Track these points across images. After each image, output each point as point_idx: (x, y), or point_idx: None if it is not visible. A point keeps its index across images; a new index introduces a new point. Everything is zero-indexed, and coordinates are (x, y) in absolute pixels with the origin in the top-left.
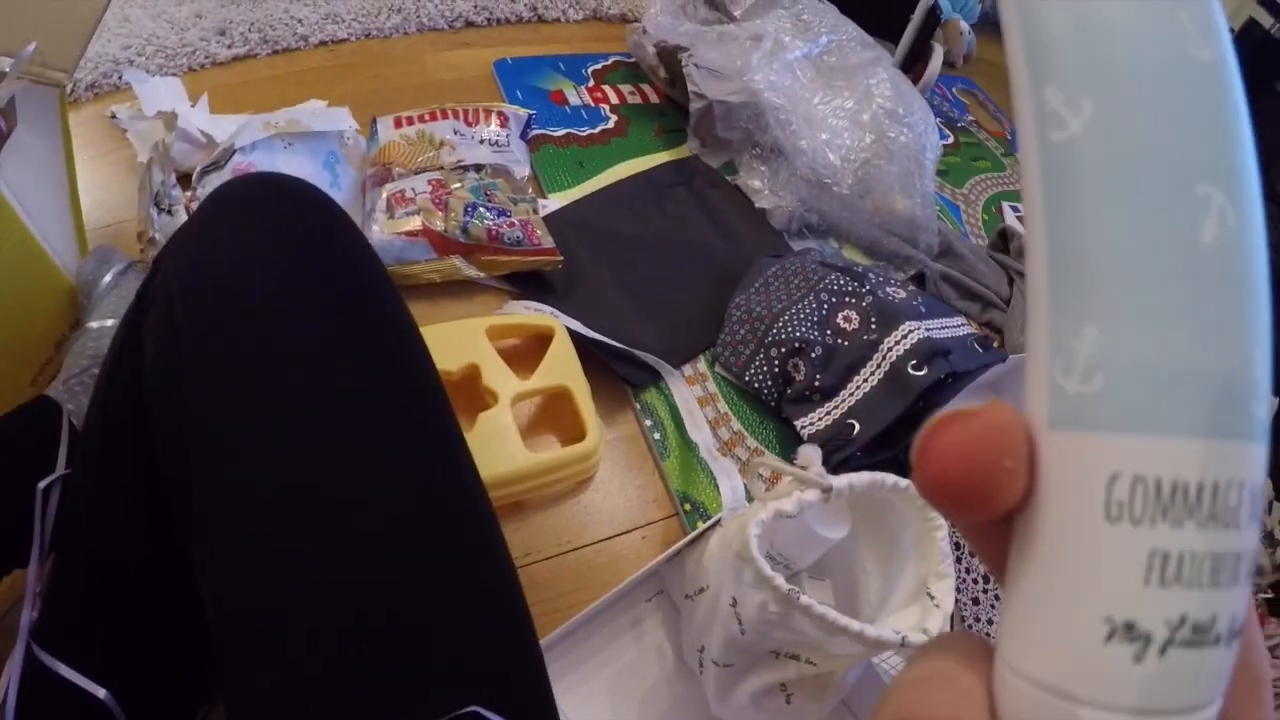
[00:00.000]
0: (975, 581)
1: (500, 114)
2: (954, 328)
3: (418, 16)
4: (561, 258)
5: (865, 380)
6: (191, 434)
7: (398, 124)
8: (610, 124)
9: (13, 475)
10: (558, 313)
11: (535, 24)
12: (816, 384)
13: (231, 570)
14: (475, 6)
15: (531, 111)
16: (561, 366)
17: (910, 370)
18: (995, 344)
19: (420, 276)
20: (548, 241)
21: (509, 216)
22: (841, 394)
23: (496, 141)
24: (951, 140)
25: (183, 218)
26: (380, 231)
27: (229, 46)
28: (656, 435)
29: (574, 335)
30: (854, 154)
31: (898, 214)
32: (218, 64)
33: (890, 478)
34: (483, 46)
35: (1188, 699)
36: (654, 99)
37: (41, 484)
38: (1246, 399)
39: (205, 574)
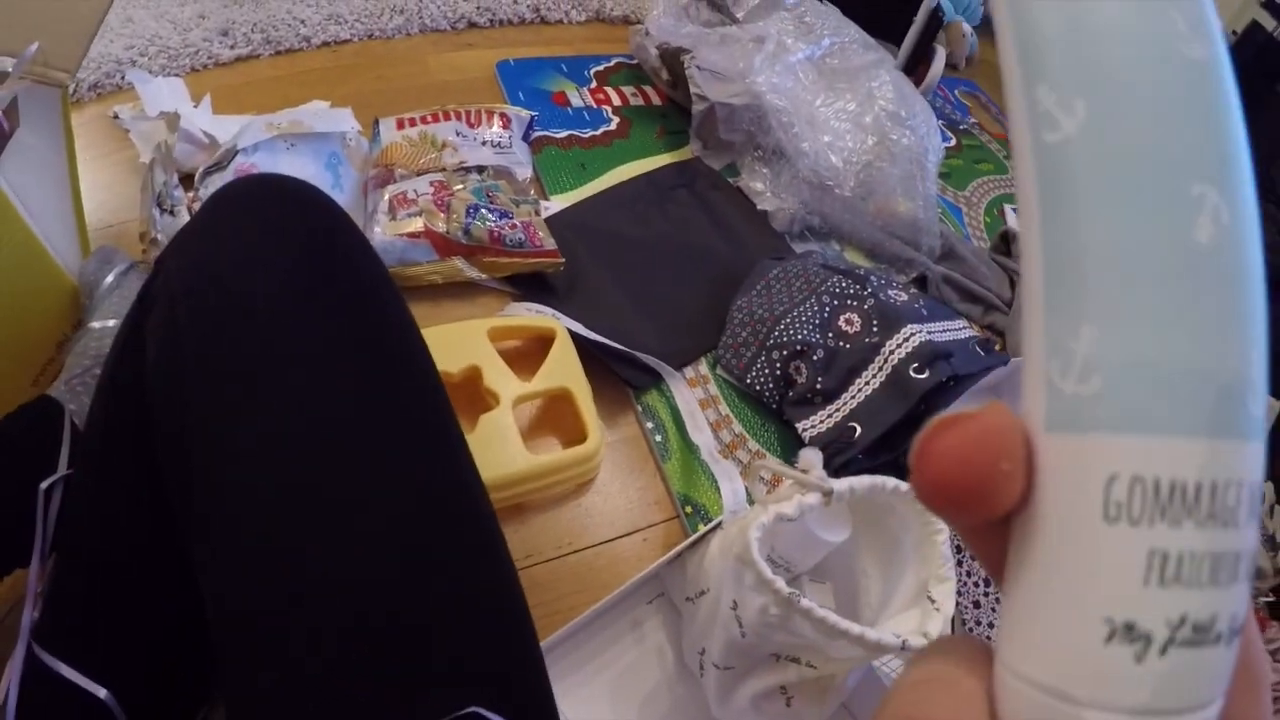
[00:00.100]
0: (976, 585)
1: (503, 115)
2: (956, 331)
3: (420, 17)
4: (563, 259)
5: (867, 383)
6: (193, 434)
7: (400, 125)
8: (612, 126)
9: (14, 475)
10: (559, 314)
11: (538, 25)
12: (818, 387)
13: (233, 570)
14: (478, 8)
15: (534, 113)
16: (563, 368)
17: (912, 373)
18: (997, 347)
19: (422, 278)
20: (549, 243)
21: (511, 218)
22: (843, 397)
23: (499, 143)
24: (954, 143)
25: (185, 218)
26: (382, 233)
27: (232, 47)
28: (658, 437)
29: (575, 337)
30: (856, 156)
31: (900, 216)
32: (220, 64)
33: (891, 481)
34: (485, 48)
35: (1189, 699)
36: (656, 101)
37: (43, 484)
38: (1244, 397)
39: (206, 574)
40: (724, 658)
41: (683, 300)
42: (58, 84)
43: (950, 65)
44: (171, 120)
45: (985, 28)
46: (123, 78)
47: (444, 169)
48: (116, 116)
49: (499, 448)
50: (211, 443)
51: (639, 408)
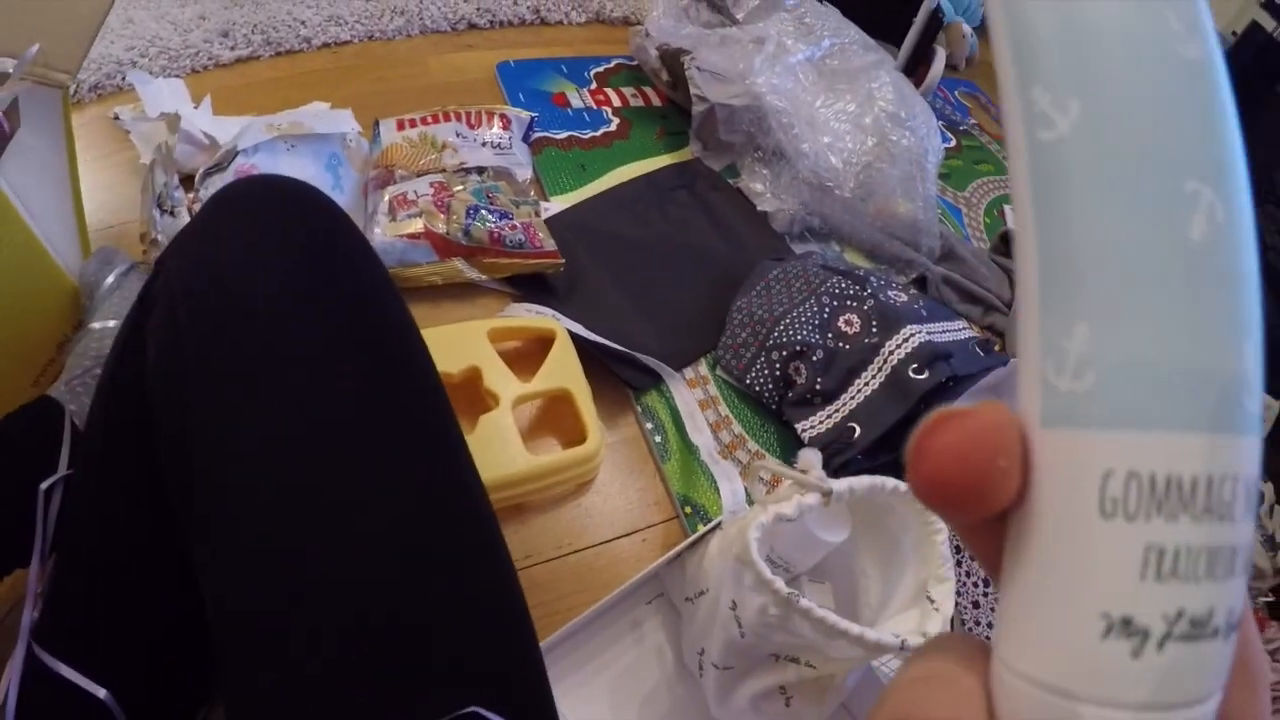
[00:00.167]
0: (976, 585)
1: (503, 116)
2: (955, 331)
3: (420, 19)
4: (563, 260)
5: (866, 384)
6: (193, 435)
7: (400, 126)
8: (612, 127)
9: (14, 475)
10: (559, 315)
11: (538, 26)
12: (817, 387)
13: (233, 571)
14: (478, 9)
15: (534, 114)
16: (563, 369)
17: (911, 374)
18: (997, 347)
19: (422, 279)
20: (549, 244)
21: (511, 219)
22: (842, 397)
23: (499, 144)
24: (954, 143)
25: (185, 219)
26: (382, 234)
27: (232, 48)
28: (657, 438)
29: (575, 338)
30: (856, 157)
31: (899, 217)
32: (221, 66)
33: (890, 481)
34: (485, 49)
35: (1187, 693)
36: (656, 102)
37: (44, 484)
38: (1238, 392)
39: (207, 575)
40: (723, 658)
41: (682, 301)
42: (58, 85)
43: (950, 66)
44: (172, 121)
45: (985, 29)
46: (123, 79)
47: (444, 170)
48: (117, 117)
49: (499, 448)
50: (212, 443)
51: (639, 408)
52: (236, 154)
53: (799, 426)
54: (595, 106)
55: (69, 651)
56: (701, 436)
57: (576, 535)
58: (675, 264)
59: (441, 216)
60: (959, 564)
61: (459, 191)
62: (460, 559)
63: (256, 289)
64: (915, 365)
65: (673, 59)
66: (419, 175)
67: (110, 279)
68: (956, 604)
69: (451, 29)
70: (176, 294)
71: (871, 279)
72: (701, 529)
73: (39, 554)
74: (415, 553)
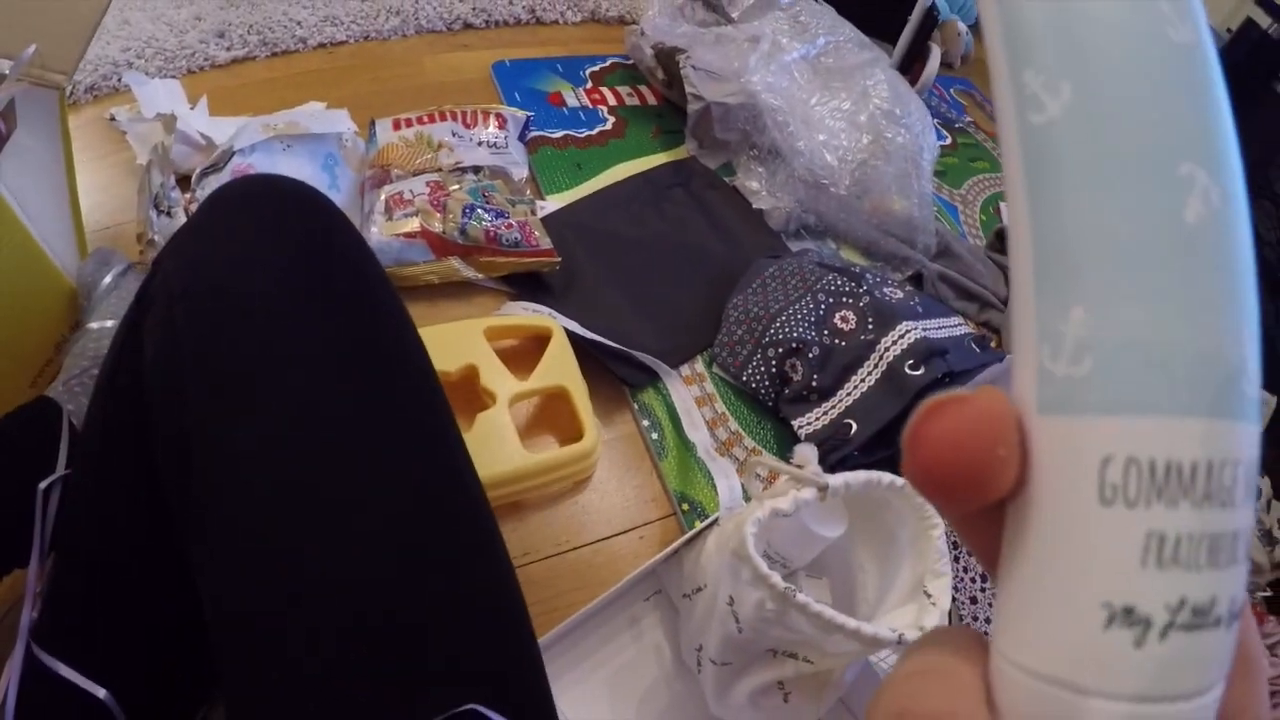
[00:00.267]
0: (973, 580)
1: (498, 116)
2: (951, 328)
3: (416, 19)
4: (559, 259)
5: (862, 380)
6: (191, 434)
7: (396, 126)
8: (608, 125)
9: (13, 475)
10: (555, 314)
11: (533, 26)
12: (814, 384)
13: (231, 571)
14: (473, 9)
15: (529, 113)
16: (559, 367)
17: (907, 370)
18: (992, 344)
19: (418, 278)
20: (545, 243)
21: (507, 218)
22: (839, 394)
23: (495, 143)
24: (949, 141)
25: (182, 219)
26: (379, 233)
27: (228, 49)
28: (654, 435)
29: (572, 336)
30: (851, 155)
31: (895, 215)
32: (217, 66)
33: (887, 476)
34: (481, 48)
35: (1190, 683)
36: (652, 101)
37: (42, 484)
38: (1237, 377)
39: (205, 575)
40: (721, 654)
41: (679, 299)
42: (55, 86)
43: (945, 64)
44: (168, 122)
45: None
46: (119, 80)
47: (440, 169)
48: (113, 118)
49: (496, 446)
50: (209, 443)
51: (635, 406)
52: (233, 154)
53: (795, 423)
54: (591, 105)
55: (68, 651)
56: (698, 433)
57: (574, 533)
58: (671, 262)
59: (438, 215)
60: (956, 559)
61: (455, 191)
62: (458, 557)
63: (254, 288)
64: (911, 361)
65: (668, 58)
66: (415, 175)
67: (107, 279)
68: (954, 599)
69: (447, 29)
70: (174, 294)
71: (867, 276)
72: (698, 525)
73: (38, 554)
74: (413, 551)
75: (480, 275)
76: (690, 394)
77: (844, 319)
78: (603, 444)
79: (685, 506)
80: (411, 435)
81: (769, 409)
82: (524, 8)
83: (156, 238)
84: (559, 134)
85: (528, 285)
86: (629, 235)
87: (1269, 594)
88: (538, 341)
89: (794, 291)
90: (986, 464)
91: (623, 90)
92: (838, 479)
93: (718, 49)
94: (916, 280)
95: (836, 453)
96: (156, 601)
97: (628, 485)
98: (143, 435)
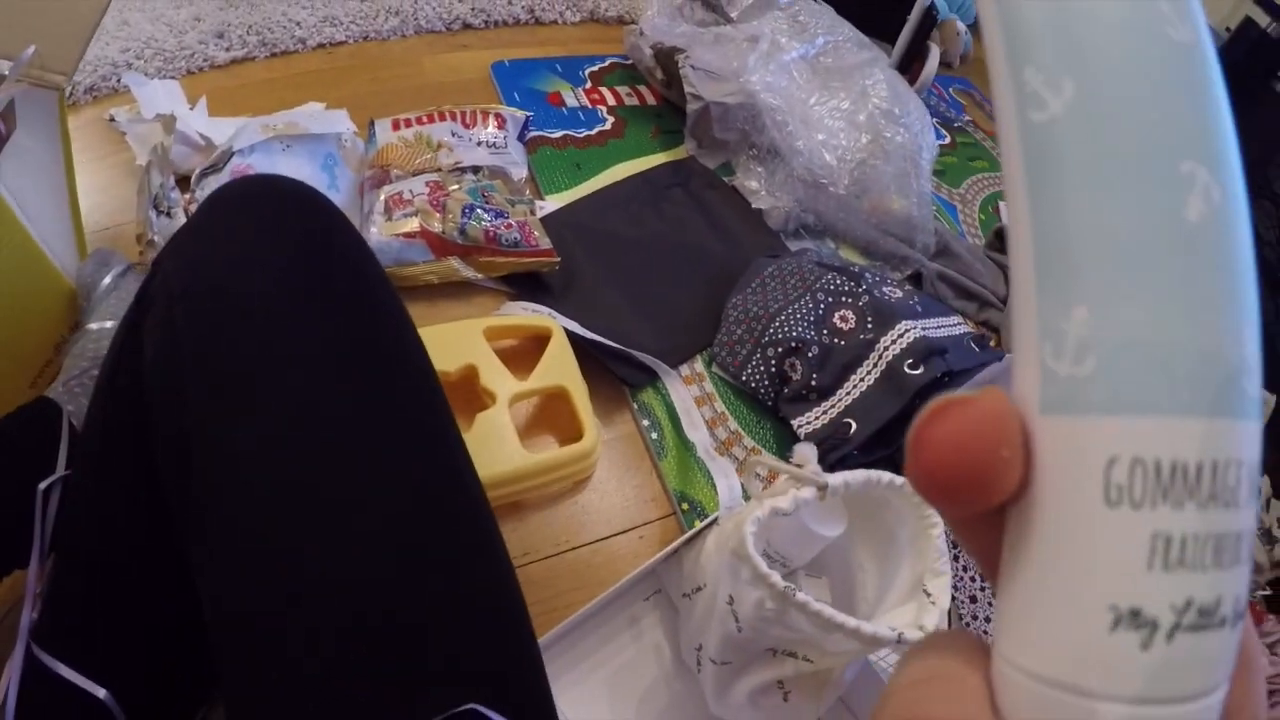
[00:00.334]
0: (973, 579)
1: (498, 116)
2: (950, 327)
3: (415, 19)
4: (559, 259)
5: (862, 379)
6: (191, 435)
7: (395, 126)
8: (607, 125)
9: (13, 476)
10: (555, 313)
11: (532, 26)
12: (813, 383)
13: (230, 572)
14: (473, 9)
15: (529, 113)
16: (559, 367)
17: (906, 369)
18: (992, 343)
19: (418, 278)
20: (545, 243)
21: (506, 218)
22: (838, 393)
23: (494, 143)
24: (948, 140)
25: (181, 220)
26: (378, 233)
27: (227, 49)
28: (654, 435)
29: (571, 336)
30: (850, 154)
31: (894, 214)
32: (216, 67)
33: (886, 475)
34: (480, 49)
35: (1196, 685)
36: (651, 100)
37: (42, 485)
38: (1239, 376)
39: (204, 575)
40: (721, 653)
41: (678, 299)
42: (54, 87)
43: (944, 63)
44: (168, 122)
45: (979, 25)
46: (119, 80)
47: (439, 169)
48: (113, 119)
49: (496, 446)
50: (210, 444)
51: (635, 405)
52: (232, 154)
53: (795, 422)
54: (590, 105)
55: (68, 651)
56: (698, 433)
57: (574, 532)
58: (671, 262)
59: (437, 215)
60: (955, 558)
61: (454, 191)
62: (458, 557)
63: (253, 288)
64: (910, 360)
65: (667, 57)
66: (414, 175)
67: (107, 280)
68: (953, 598)
69: (446, 29)
70: (173, 294)
71: (866, 275)
72: (698, 525)
73: (38, 554)
74: (412, 551)
75: (480, 275)
76: (690, 393)
77: (843, 318)
78: (602, 444)
79: (685, 506)
80: (411, 435)
81: (768, 408)
82: (523, 8)
83: (156, 238)
84: (558, 134)
85: (527, 285)
86: (628, 235)
87: (1268, 593)
88: (537, 341)
89: (793, 291)
90: (991, 466)
91: (622, 90)
92: (837, 478)
93: (717, 49)
94: (916, 279)
95: (836, 452)
96: (156, 602)
97: (627, 485)
98: (142, 436)
